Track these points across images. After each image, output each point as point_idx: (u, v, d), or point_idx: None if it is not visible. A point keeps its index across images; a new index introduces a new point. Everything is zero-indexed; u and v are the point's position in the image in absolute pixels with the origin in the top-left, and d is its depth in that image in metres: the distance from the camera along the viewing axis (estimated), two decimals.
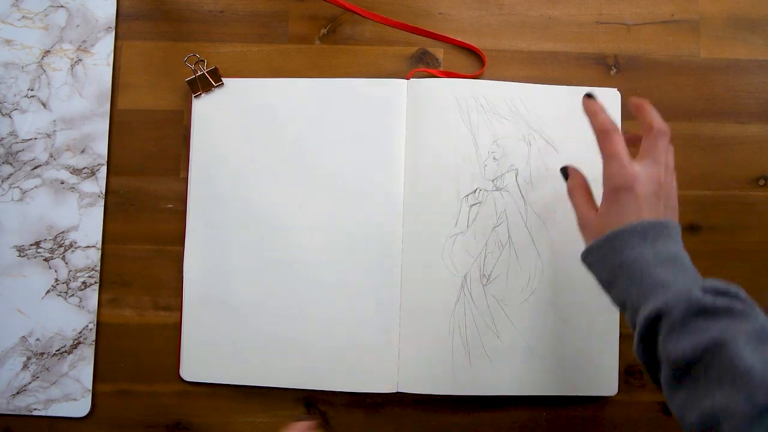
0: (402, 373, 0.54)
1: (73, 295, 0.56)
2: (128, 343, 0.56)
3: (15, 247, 0.57)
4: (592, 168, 0.56)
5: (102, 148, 0.57)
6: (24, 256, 0.57)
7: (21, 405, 0.55)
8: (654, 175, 0.41)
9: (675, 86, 0.59)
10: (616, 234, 0.40)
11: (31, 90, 0.58)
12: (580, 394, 0.55)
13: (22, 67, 0.58)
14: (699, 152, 0.58)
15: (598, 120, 0.44)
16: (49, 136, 0.57)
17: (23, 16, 0.59)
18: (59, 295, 0.56)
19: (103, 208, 0.57)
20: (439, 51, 0.59)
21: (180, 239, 0.57)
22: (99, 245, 0.57)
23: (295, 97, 0.57)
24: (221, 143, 0.57)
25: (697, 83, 0.59)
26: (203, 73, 0.57)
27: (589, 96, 0.46)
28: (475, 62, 0.59)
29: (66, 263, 0.56)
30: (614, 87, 0.58)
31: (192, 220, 0.57)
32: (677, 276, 0.38)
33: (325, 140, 0.57)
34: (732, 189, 0.58)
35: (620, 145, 0.42)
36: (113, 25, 0.59)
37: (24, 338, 0.56)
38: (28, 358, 0.56)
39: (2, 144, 0.57)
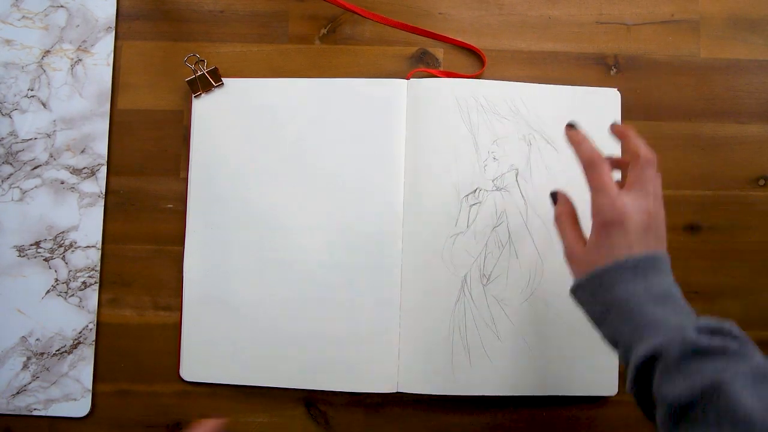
0: (402, 373, 0.54)
1: (73, 295, 0.56)
2: (128, 343, 0.56)
3: (15, 247, 0.57)
4: None
5: (102, 148, 0.57)
6: (24, 256, 0.57)
7: (21, 405, 0.55)
8: (644, 207, 0.40)
9: (675, 86, 0.59)
10: (607, 270, 0.39)
11: (31, 90, 0.58)
12: (580, 394, 0.55)
13: (22, 67, 0.58)
14: (699, 152, 0.58)
15: (583, 150, 0.43)
16: (49, 136, 0.57)
17: (23, 16, 0.59)
18: (59, 295, 0.56)
19: (103, 208, 0.57)
20: (439, 51, 0.59)
21: (180, 239, 0.57)
22: (99, 245, 0.57)
23: (295, 97, 0.57)
24: (221, 143, 0.57)
25: (697, 83, 0.59)
26: (203, 73, 0.57)
27: (571, 126, 0.45)
28: (475, 62, 0.59)
29: (66, 263, 0.56)
30: (614, 87, 0.58)
31: (192, 220, 0.57)
32: (670, 314, 0.37)
33: (325, 140, 0.57)
34: (732, 189, 0.58)
35: (607, 176, 0.41)
36: (113, 25, 0.59)
37: (24, 338, 0.56)
38: (28, 358, 0.56)
39: (2, 144, 0.57)
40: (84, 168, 0.57)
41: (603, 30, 0.59)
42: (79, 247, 0.57)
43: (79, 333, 0.56)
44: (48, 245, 0.57)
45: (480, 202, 0.56)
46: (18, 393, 0.55)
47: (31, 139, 0.57)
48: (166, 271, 0.57)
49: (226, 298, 0.56)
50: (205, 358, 0.55)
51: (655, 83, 0.59)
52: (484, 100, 0.56)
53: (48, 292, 0.56)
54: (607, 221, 0.40)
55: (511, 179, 0.56)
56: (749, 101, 0.59)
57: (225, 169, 0.57)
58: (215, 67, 0.57)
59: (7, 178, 0.57)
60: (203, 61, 0.58)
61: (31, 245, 0.57)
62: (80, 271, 0.56)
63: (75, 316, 0.56)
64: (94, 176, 0.57)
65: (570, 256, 0.43)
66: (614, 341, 0.40)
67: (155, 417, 0.56)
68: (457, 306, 0.55)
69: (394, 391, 0.54)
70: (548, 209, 0.56)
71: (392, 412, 0.56)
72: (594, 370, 0.55)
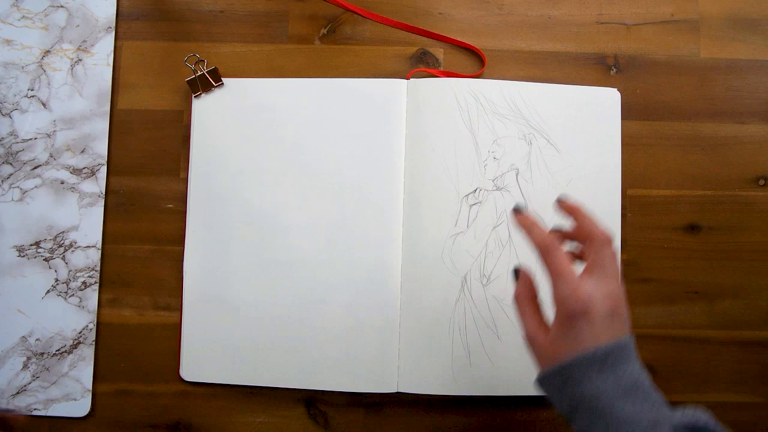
0: (402, 373, 0.54)
1: (73, 295, 0.56)
2: (128, 343, 0.56)
3: (15, 247, 0.57)
4: (592, 171, 0.56)
5: (102, 148, 0.57)
6: (24, 256, 0.57)
7: (21, 405, 0.55)
8: (607, 292, 0.38)
9: (675, 86, 0.59)
10: (574, 364, 0.37)
11: (31, 90, 0.58)
12: None
13: (22, 67, 0.58)
14: (699, 152, 0.58)
15: (535, 236, 0.41)
16: (49, 136, 0.57)
17: (23, 16, 0.59)
18: (59, 295, 0.56)
19: (103, 208, 0.57)
20: (439, 51, 0.59)
21: (180, 239, 0.57)
22: (99, 245, 0.57)
23: (294, 97, 0.57)
24: (221, 143, 0.57)
25: (697, 83, 0.59)
26: (203, 73, 0.57)
27: (517, 210, 0.43)
28: (475, 62, 0.59)
29: (66, 263, 0.56)
30: (614, 87, 0.58)
31: (192, 220, 0.57)
32: (642, 409, 0.36)
33: (325, 140, 0.57)
34: (732, 189, 0.58)
35: (565, 261, 0.39)
36: (113, 25, 0.59)
37: (24, 338, 0.56)
38: (28, 358, 0.56)
39: (2, 144, 0.57)
40: (84, 168, 0.57)
41: (603, 30, 0.59)
42: (79, 247, 0.57)
43: (79, 333, 0.56)
44: (48, 245, 0.57)
45: (480, 202, 0.56)
46: (18, 393, 0.55)
47: (31, 139, 0.57)
48: (166, 271, 0.57)
49: (226, 297, 0.56)
50: (205, 358, 0.55)
51: (655, 83, 0.59)
52: (484, 99, 0.56)
53: (48, 292, 0.56)
54: (570, 312, 0.38)
55: (512, 179, 0.56)
56: (749, 101, 0.59)
57: (225, 169, 0.57)
58: (215, 67, 0.57)
59: (7, 178, 0.57)
60: (203, 61, 0.58)
61: (31, 245, 0.57)
62: (80, 271, 0.56)
63: (75, 316, 0.56)
64: (94, 176, 0.57)
65: (531, 343, 0.41)
66: None
67: (155, 417, 0.56)
68: (457, 306, 0.55)
69: (394, 391, 0.54)
70: (548, 209, 0.56)
71: (392, 412, 0.56)
72: None
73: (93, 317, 0.56)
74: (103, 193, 0.57)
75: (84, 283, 0.56)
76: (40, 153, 0.57)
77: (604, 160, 0.57)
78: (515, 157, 0.56)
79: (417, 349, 0.54)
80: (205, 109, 0.57)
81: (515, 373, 0.54)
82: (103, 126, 0.58)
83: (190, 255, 0.56)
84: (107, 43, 0.58)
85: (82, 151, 0.57)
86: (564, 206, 0.43)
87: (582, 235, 0.41)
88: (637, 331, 0.57)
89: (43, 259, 0.56)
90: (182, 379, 0.56)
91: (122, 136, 0.58)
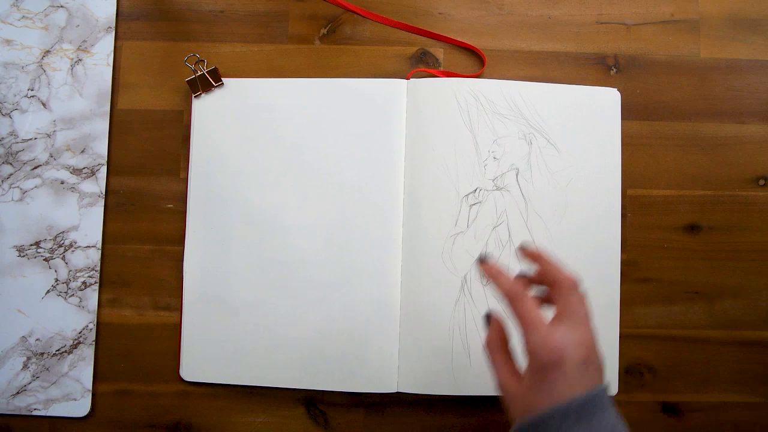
0: (402, 373, 0.54)
1: (73, 295, 0.56)
2: (128, 343, 0.56)
3: (15, 247, 0.57)
4: (592, 171, 0.56)
5: (102, 148, 0.57)
6: (24, 256, 0.57)
7: (21, 405, 0.55)
8: (579, 340, 0.37)
9: (675, 86, 0.59)
10: (549, 416, 0.36)
11: (31, 90, 0.58)
12: None
13: (22, 67, 0.58)
14: (699, 152, 0.58)
15: (502, 284, 0.40)
16: (49, 136, 0.57)
17: (23, 16, 0.59)
18: (59, 295, 0.56)
19: (103, 208, 0.57)
20: (439, 51, 0.59)
21: (180, 239, 0.57)
22: (99, 245, 0.57)
23: (294, 97, 0.57)
24: (221, 143, 0.57)
25: (697, 83, 0.59)
26: (203, 73, 0.57)
27: (483, 260, 0.43)
28: (475, 62, 0.59)
29: (66, 263, 0.56)
30: (614, 87, 0.58)
31: (192, 220, 0.57)
32: None
33: (325, 140, 0.57)
34: (732, 189, 0.58)
35: (534, 309, 0.38)
36: (113, 25, 0.59)
37: (24, 338, 0.56)
38: (28, 358, 0.56)
39: (2, 144, 0.57)
40: (84, 168, 0.57)
41: (603, 30, 0.60)
42: (79, 247, 0.57)
43: (79, 333, 0.56)
44: (48, 245, 0.57)
45: (480, 202, 0.56)
46: (18, 393, 0.55)
47: (31, 139, 0.57)
48: (166, 271, 0.57)
49: (226, 297, 0.56)
50: (205, 358, 0.55)
51: (655, 83, 0.59)
52: (484, 99, 0.56)
53: (48, 292, 0.56)
54: (543, 363, 0.37)
55: (512, 179, 0.56)
56: (749, 101, 0.59)
57: (225, 169, 0.57)
58: (215, 67, 0.57)
59: (7, 178, 0.57)
60: (203, 61, 0.58)
61: (31, 245, 0.57)
62: (80, 271, 0.56)
63: (75, 316, 0.56)
64: (94, 176, 0.57)
65: (504, 392, 0.40)
66: None
67: (155, 417, 0.56)
68: (457, 306, 0.55)
69: (394, 391, 0.54)
70: (549, 209, 0.56)
71: (392, 412, 0.56)
72: None
73: (93, 317, 0.56)
74: (103, 193, 0.57)
75: (84, 283, 0.56)
76: (40, 153, 0.57)
77: (604, 160, 0.57)
78: (515, 157, 0.56)
79: (417, 349, 0.54)
80: (205, 109, 0.57)
81: None
82: (103, 126, 0.58)
83: (190, 255, 0.56)
84: (107, 43, 0.58)
85: (82, 151, 0.57)
86: (527, 253, 0.43)
87: (547, 280, 0.41)
88: (637, 331, 0.57)
89: (43, 259, 0.56)
90: (182, 379, 0.56)
91: (122, 136, 0.58)
